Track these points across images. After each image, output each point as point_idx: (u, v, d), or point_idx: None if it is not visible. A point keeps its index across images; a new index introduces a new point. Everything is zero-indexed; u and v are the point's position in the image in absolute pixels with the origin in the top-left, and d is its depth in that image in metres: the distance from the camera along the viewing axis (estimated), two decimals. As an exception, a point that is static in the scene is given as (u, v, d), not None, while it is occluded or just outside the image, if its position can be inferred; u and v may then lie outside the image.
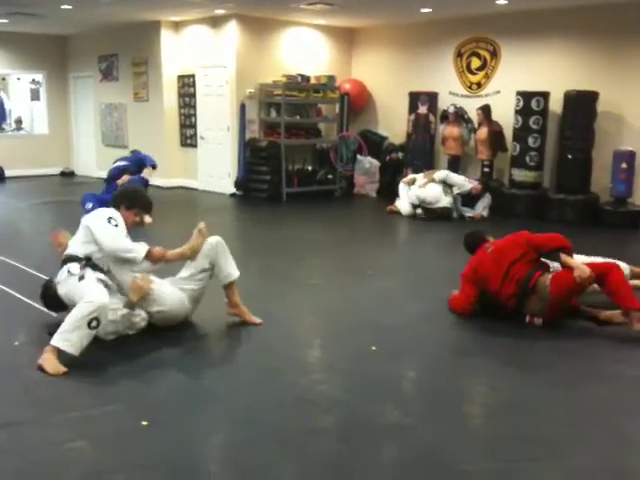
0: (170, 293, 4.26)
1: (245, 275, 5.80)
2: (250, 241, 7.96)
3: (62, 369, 3.66)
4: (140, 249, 4.09)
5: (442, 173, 9.08)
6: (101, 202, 7.99)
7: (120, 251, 4.06)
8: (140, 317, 4.18)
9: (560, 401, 3.46)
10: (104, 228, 4.06)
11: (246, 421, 3.21)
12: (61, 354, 3.71)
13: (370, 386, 3.60)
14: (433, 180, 8.94)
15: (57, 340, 3.70)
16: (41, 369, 3.67)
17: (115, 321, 4.03)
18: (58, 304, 4.24)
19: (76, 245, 4.16)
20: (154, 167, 8.72)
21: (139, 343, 4.11)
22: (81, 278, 3.94)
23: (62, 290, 4.09)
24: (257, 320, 4.52)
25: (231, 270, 4.41)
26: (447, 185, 8.93)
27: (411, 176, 9.40)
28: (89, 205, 7.95)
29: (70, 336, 3.69)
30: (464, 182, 9.00)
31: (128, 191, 4.53)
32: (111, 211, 4.20)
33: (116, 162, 8.76)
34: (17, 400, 3.39)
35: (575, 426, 3.21)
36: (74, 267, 4.03)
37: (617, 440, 3.09)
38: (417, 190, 8.95)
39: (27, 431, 3.07)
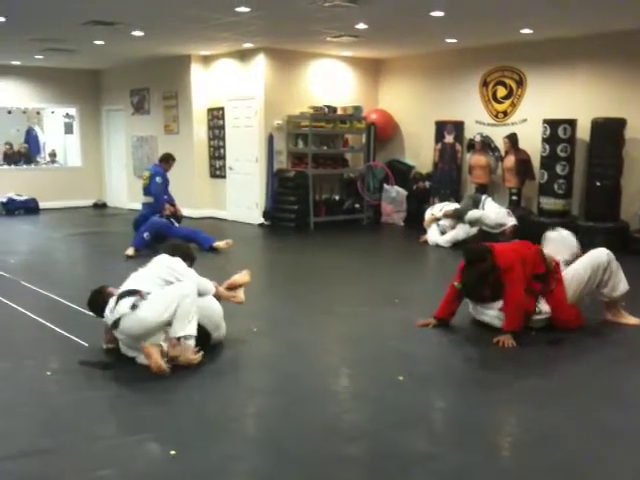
0: (218, 306, 4.63)
1: (273, 303, 5.87)
2: (278, 269, 8.02)
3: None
4: (212, 288, 4.62)
5: (475, 214, 8.80)
6: (152, 227, 8.32)
7: (208, 291, 4.55)
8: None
9: (586, 428, 3.41)
10: (199, 278, 4.51)
11: (273, 449, 3.22)
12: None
13: (397, 415, 3.59)
14: (462, 221, 8.85)
15: (180, 331, 4.11)
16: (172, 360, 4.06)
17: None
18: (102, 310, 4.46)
19: (143, 284, 4.29)
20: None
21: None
22: (134, 307, 4.12)
23: (130, 324, 4.14)
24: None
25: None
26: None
27: (429, 216, 9.30)
28: (147, 234, 8.26)
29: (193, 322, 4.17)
30: (496, 225, 8.69)
31: (183, 248, 4.90)
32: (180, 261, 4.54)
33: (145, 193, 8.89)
34: (47, 428, 3.45)
35: (602, 453, 3.16)
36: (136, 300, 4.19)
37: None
38: (448, 236, 8.87)
39: (57, 459, 3.12)
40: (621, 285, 5.13)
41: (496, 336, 4.75)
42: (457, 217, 8.96)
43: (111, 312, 4.27)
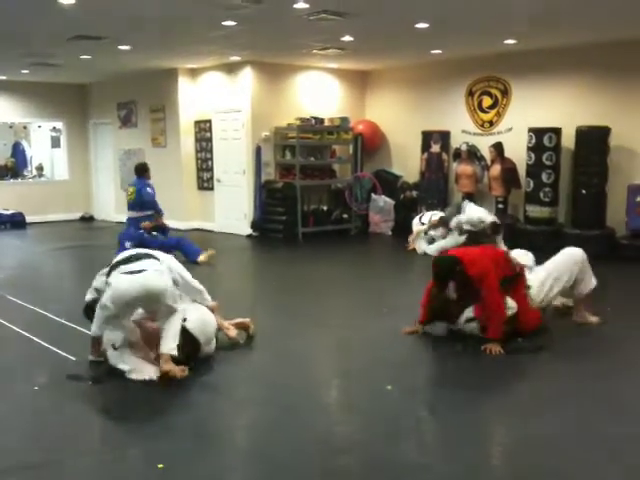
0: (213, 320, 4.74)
1: (262, 314, 5.87)
2: (267, 280, 8.02)
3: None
4: (209, 299, 4.88)
5: (460, 219, 8.74)
6: (134, 239, 8.33)
7: (205, 299, 4.82)
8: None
9: (578, 436, 3.43)
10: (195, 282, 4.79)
11: (263, 461, 3.22)
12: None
13: (387, 425, 3.59)
14: (449, 229, 8.87)
15: (172, 349, 4.19)
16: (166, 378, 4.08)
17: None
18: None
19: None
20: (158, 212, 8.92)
21: (152, 383, 4.14)
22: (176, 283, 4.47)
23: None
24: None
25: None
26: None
27: (416, 228, 9.29)
28: (128, 244, 8.23)
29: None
30: (478, 221, 8.56)
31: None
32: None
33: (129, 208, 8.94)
34: (35, 443, 3.43)
35: (594, 460, 3.18)
36: None
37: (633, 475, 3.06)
38: (436, 245, 8.85)
39: (45, 474, 3.11)
40: (592, 280, 5.33)
41: (483, 344, 4.78)
42: (443, 224, 9.01)
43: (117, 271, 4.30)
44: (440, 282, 5.02)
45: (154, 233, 8.66)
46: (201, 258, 8.39)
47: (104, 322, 4.26)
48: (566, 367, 4.52)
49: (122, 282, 4.19)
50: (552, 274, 5.22)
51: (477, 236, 8.53)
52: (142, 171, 8.88)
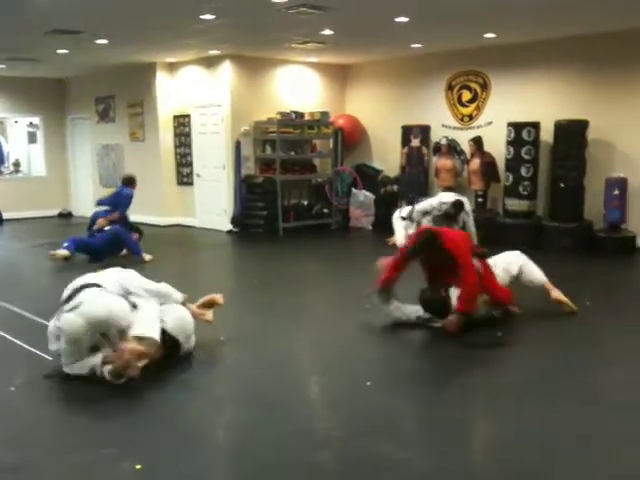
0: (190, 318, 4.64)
1: (242, 311, 5.85)
2: (247, 276, 7.98)
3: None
4: (178, 296, 4.69)
5: (422, 205, 8.78)
6: (79, 244, 8.25)
7: (171, 297, 4.64)
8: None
9: (557, 430, 3.44)
10: (151, 283, 4.60)
11: (243, 458, 3.20)
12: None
13: (366, 420, 3.59)
14: (419, 223, 8.90)
15: (154, 332, 4.16)
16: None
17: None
18: None
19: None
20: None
21: (130, 381, 4.08)
22: (135, 306, 4.32)
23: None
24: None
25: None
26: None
27: (402, 230, 9.28)
28: (65, 244, 8.24)
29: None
30: (439, 204, 8.57)
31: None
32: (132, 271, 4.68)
33: (98, 203, 9.12)
34: (12, 444, 3.37)
35: (574, 455, 3.20)
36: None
37: (613, 471, 3.09)
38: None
39: (22, 476, 3.06)
40: (542, 276, 5.51)
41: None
42: (410, 217, 9.00)
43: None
44: (416, 250, 5.20)
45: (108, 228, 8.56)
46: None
47: (72, 360, 4.16)
48: (546, 361, 4.55)
49: (66, 321, 4.05)
50: (501, 264, 5.43)
51: (447, 220, 8.59)
52: (128, 182, 8.93)
